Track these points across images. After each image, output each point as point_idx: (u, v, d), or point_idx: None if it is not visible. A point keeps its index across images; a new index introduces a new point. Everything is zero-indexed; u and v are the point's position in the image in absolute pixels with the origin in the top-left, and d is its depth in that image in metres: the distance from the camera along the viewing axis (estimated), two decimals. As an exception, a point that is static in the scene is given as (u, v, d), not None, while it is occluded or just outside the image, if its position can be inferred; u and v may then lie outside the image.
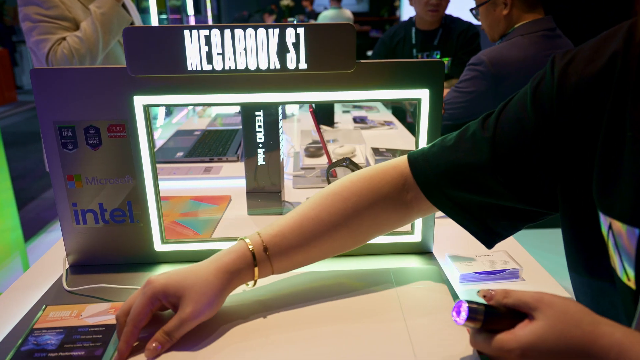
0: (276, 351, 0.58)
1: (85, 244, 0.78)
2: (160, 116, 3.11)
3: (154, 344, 0.56)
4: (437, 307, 0.67)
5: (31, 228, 2.91)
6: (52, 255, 0.85)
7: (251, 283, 0.64)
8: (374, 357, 0.57)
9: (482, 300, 0.53)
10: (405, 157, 0.69)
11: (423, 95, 0.73)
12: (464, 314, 0.51)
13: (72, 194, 0.75)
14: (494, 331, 0.50)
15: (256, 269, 0.63)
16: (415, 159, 0.67)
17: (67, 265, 0.79)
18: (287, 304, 0.67)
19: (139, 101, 0.71)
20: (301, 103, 0.75)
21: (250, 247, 0.63)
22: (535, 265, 0.80)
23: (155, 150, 0.76)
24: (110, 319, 0.62)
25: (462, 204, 0.65)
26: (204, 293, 0.59)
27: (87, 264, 0.79)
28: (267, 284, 0.72)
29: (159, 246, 0.79)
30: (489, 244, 0.68)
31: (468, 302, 0.51)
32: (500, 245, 0.86)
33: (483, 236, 0.67)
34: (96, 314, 0.63)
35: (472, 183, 0.62)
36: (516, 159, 0.58)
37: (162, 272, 0.61)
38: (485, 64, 1.45)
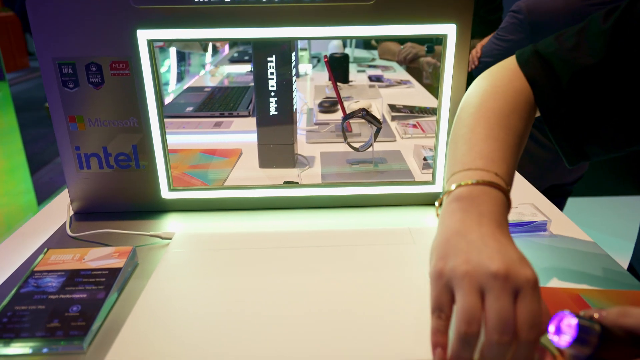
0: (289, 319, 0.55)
1: (90, 190, 0.75)
2: (172, 82, 3.05)
3: None
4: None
5: (44, 192, 2.92)
6: (58, 202, 0.82)
7: None
8: (395, 308, 0.53)
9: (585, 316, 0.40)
10: (521, 77, 0.60)
11: (449, 30, 0.67)
12: (568, 334, 0.38)
13: (74, 137, 0.71)
14: None
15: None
16: (537, 78, 0.59)
17: (72, 212, 0.76)
18: (298, 271, 0.63)
19: (143, 35, 0.66)
20: (316, 39, 0.69)
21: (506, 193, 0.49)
22: (563, 218, 0.76)
23: (164, 105, 0.71)
24: (115, 263, 0.59)
25: (563, 113, 0.59)
26: None
27: (92, 211, 0.76)
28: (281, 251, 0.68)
29: (166, 193, 0.75)
30: (572, 162, 0.63)
31: (577, 316, 0.38)
32: (526, 198, 0.82)
33: (570, 152, 0.61)
34: (100, 257, 0.60)
35: (584, 86, 0.57)
36: (633, 56, 0.53)
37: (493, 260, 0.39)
38: (523, 11, 1.37)
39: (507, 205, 0.48)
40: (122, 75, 0.68)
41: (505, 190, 0.48)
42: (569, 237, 0.70)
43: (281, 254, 0.64)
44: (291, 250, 0.64)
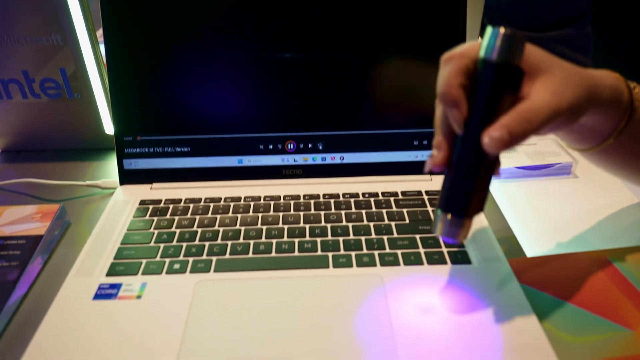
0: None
1: (15, 125, 0.61)
2: None
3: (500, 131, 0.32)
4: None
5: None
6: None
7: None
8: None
9: None
10: None
11: None
12: None
13: (-17, 58, 0.56)
14: None
15: (626, 114, 0.41)
16: None
17: (-3, 152, 0.62)
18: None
19: None
20: None
21: (631, 86, 0.41)
22: (591, 157, 0.63)
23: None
24: (36, 228, 0.46)
25: None
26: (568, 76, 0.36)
27: (21, 149, 0.62)
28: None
29: (110, 129, 0.61)
30: None
31: None
32: (547, 132, 0.69)
33: None
34: (16, 220, 0.47)
35: None
36: None
37: None
38: None
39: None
40: (32, -25, 0.51)
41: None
42: (599, 183, 0.59)
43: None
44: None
